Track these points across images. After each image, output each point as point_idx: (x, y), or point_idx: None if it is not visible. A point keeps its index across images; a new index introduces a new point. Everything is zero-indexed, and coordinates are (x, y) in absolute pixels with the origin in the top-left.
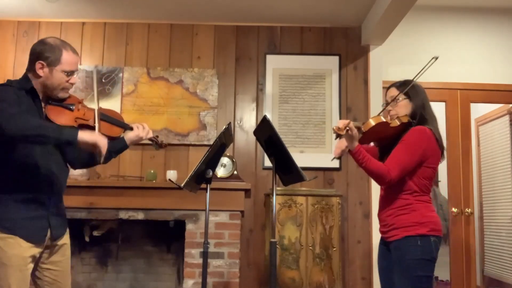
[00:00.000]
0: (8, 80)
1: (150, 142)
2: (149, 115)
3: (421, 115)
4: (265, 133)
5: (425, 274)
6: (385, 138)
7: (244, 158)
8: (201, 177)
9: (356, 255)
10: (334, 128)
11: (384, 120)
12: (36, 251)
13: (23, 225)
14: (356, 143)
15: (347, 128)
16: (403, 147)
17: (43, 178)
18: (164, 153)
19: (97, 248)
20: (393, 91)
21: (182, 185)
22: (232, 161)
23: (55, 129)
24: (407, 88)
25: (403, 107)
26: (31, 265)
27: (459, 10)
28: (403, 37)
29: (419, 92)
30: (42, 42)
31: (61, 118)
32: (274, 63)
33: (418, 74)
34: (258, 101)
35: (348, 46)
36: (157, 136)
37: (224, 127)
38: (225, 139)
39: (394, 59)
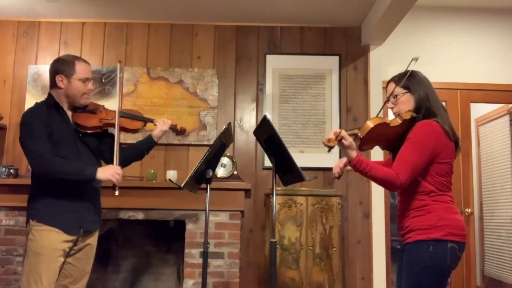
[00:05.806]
0: (36, 103)
1: (170, 129)
2: (149, 115)
3: (426, 108)
4: (265, 133)
5: (431, 283)
6: (390, 140)
7: (244, 158)
8: (201, 177)
9: (356, 255)
10: (324, 140)
11: (383, 120)
12: (67, 245)
13: (60, 217)
14: (354, 153)
15: (339, 137)
16: (409, 146)
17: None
18: (164, 153)
19: (97, 248)
20: (391, 86)
21: (182, 185)
22: (232, 161)
23: (76, 173)
24: (403, 80)
25: (405, 103)
26: (61, 259)
27: (459, 10)
28: (403, 37)
29: (420, 82)
30: (56, 60)
31: (89, 121)
32: (274, 63)
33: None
34: (258, 101)
35: (348, 46)
36: (176, 125)
37: (224, 127)
38: (225, 139)
39: (394, 59)
